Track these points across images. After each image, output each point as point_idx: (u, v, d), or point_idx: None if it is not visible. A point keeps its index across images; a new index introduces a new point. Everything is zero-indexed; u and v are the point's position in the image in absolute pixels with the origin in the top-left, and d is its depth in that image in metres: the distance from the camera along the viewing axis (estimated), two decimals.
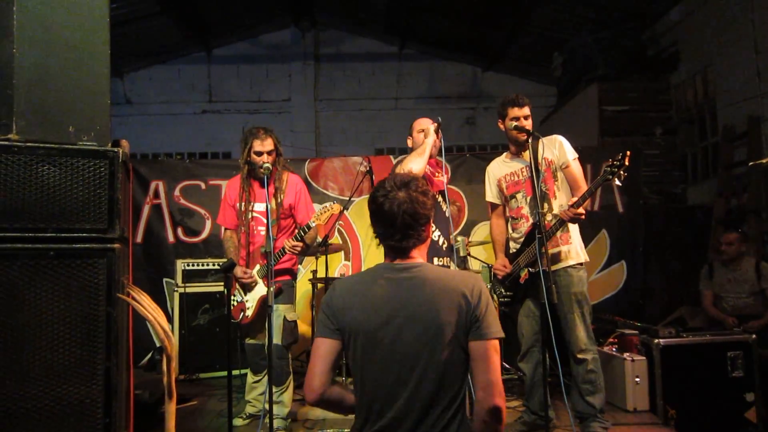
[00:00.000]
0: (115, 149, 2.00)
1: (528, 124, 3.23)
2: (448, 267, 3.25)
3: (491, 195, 3.56)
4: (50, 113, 1.98)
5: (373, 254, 5.45)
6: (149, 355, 4.79)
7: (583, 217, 3.00)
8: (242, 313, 3.40)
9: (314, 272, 4.79)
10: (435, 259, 3.23)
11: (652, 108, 7.04)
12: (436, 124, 3.18)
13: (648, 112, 7.02)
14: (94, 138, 2.01)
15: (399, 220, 1.69)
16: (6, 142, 1.89)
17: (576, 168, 3.23)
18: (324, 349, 1.74)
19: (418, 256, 1.79)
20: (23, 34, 1.93)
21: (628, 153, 2.85)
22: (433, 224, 3.28)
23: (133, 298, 2.12)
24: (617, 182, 2.92)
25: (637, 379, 3.71)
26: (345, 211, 5.18)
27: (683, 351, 3.68)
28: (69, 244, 1.93)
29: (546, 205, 2.98)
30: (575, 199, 3.03)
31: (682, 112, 7.03)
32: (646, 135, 6.91)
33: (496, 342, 1.67)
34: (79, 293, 1.95)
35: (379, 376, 1.68)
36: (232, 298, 3.41)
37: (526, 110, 3.25)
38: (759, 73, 5.46)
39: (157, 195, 5.41)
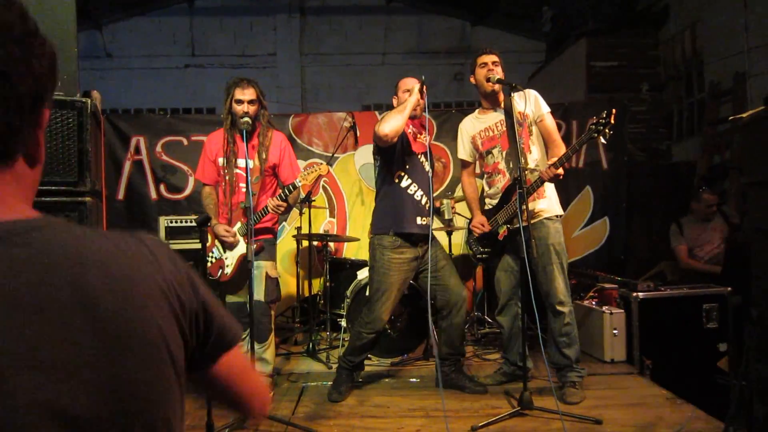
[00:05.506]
0: (83, 99, 1.95)
1: (497, 71, 3.23)
2: (428, 226, 3.21)
3: (464, 152, 3.54)
4: None
5: (358, 211, 5.45)
6: None
7: (561, 177, 3.03)
8: (221, 270, 3.37)
9: (298, 229, 4.76)
10: (418, 219, 3.22)
11: (641, 64, 6.97)
12: (419, 83, 3.12)
13: (636, 68, 6.95)
14: (61, 87, 1.95)
15: None
16: None
17: (550, 121, 3.28)
18: None
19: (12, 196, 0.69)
20: None
21: (614, 111, 2.87)
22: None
23: None
24: (602, 140, 2.93)
25: (615, 332, 3.79)
26: (330, 168, 5.13)
27: (660, 304, 3.77)
28: (37, 197, 1.89)
29: (522, 160, 2.97)
30: (555, 159, 3.05)
31: (670, 68, 6.96)
32: (634, 91, 6.86)
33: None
34: None
35: None
36: (210, 255, 3.39)
37: (494, 57, 3.26)
38: (747, 27, 5.39)
39: (138, 151, 5.32)
